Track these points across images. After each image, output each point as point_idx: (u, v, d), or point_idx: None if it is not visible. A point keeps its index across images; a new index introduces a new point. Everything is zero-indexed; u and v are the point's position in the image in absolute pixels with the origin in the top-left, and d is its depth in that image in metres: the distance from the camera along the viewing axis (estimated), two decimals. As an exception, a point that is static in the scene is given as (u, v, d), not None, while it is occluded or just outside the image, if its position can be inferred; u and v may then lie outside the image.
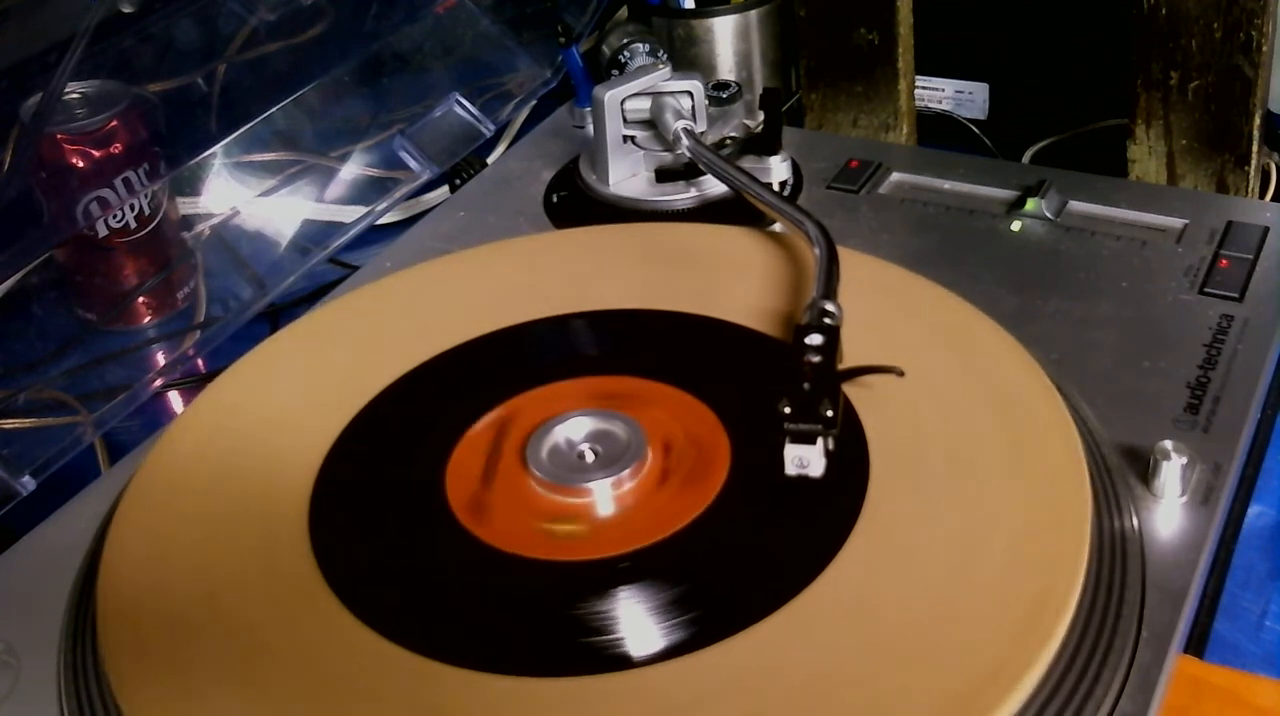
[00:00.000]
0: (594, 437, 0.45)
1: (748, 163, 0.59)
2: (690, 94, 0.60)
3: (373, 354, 0.51)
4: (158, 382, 0.59)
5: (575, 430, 0.45)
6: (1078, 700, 0.36)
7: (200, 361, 0.65)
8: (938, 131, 0.76)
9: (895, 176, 0.63)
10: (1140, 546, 0.41)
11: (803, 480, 0.41)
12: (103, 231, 0.63)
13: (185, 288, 0.67)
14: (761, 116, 0.61)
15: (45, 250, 0.61)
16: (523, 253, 0.58)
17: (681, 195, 0.61)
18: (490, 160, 0.74)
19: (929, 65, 0.75)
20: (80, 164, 0.60)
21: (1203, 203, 0.58)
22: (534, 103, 0.81)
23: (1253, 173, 0.61)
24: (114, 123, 0.60)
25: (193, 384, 0.64)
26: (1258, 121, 0.60)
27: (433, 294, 0.55)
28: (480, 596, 0.40)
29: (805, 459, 0.41)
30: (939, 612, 0.37)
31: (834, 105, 0.71)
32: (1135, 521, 0.41)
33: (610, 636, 0.38)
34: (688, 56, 0.76)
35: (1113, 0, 0.66)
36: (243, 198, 0.68)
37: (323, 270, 0.69)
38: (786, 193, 0.61)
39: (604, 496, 0.42)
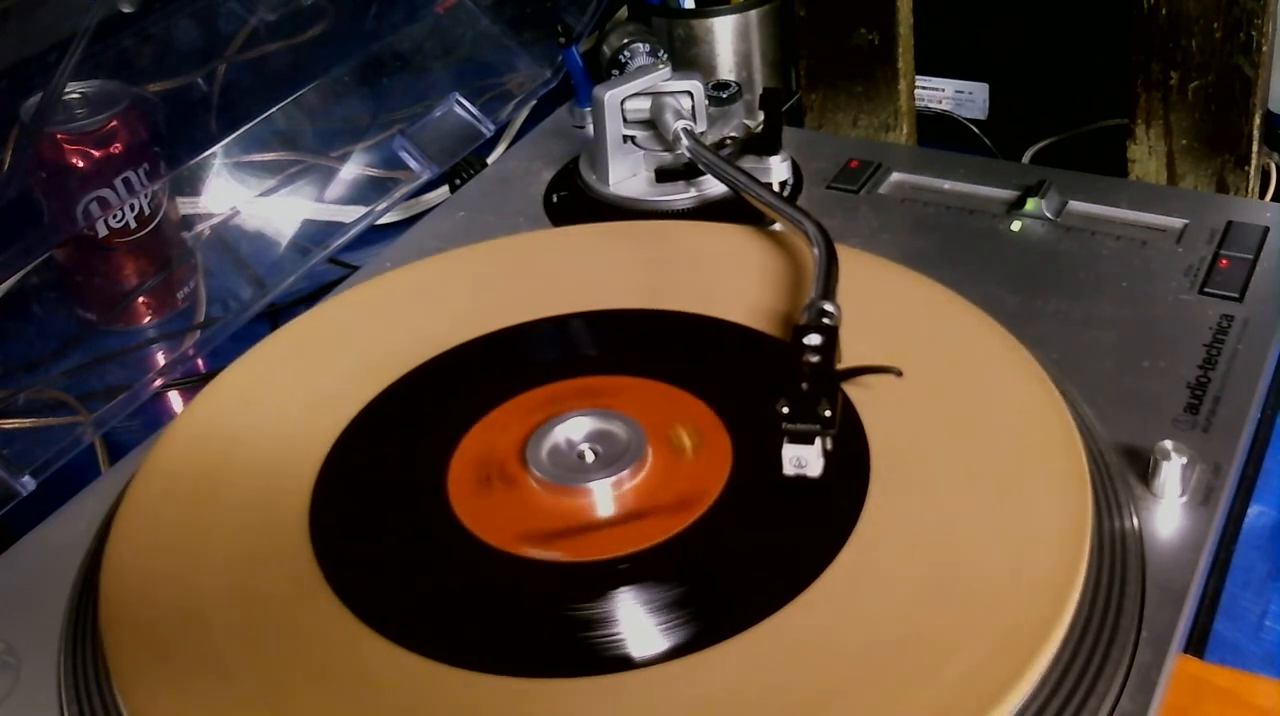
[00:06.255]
0: (594, 437, 0.45)
1: (748, 163, 0.59)
2: (690, 94, 0.60)
3: (372, 354, 0.51)
4: (158, 382, 0.59)
5: (575, 430, 0.45)
6: (1078, 700, 0.36)
7: (200, 361, 0.65)
8: (938, 131, 0.76)
9: (895, 176, 0.63)
10: (1140, 546, 0.41)
11: (804, 480, 0.41)
12: (103, 231, 0.63)
13: (185, 288, 0.67)
14: (761, 116, 0.61)
15: (45, 250, 0.61)
16: (522, 252, 0.58)
17: (681, 195, 0.61)
18: (490, 160, 0.74)
19: (929, 65, 0.75)
20: (80, 164, 0.60)
21: (1203, 203, 0.58)
22: (534, 103, 0.81)
23: (1253, 173, 0.61)
24: (114, 123, 0.60)
25: (193, 384, 0.63)
26: (1258, 121, 0.60)
27: (431, 293, 0.55)
28: (481, 596, 0.40)
29: (803, 459, 0.41)
30: (938, 612, 0.37)
31: (834, 105, 0.71)
32: (1135, 521, 0.41)
33: (610, 637, 0.38)
34: (688, 56, 0.77)
35: (1113, 0, 0.66)
36: (243, 198, 0.68)
37: (323, 270, 0.69)
38: (786, 193, 0.61)
39: (604, 496, 0.42)
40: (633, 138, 0.61)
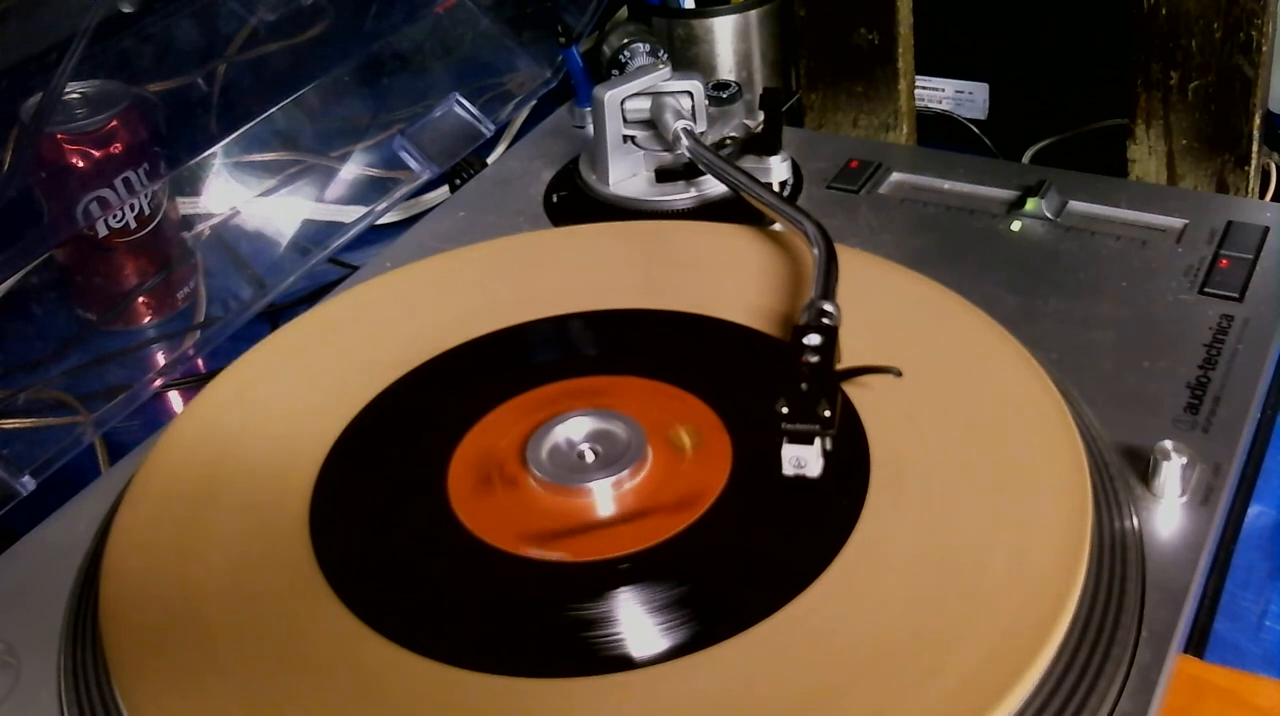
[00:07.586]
0: (594, 437, 0.45)
1: (748, 163, 0.59)
2: (690, 94, 0.60)
3: (372, 353, 0.51)
4: (158, 382, 0.59)
5: (575, 430, 0.45)
6: (1078, 700, 0.36)
7: (200, 361, 0.65)
8: (938, 131, 0.76)
9: (895, 176, 0.63)
10: (1140, 546, 0.41)
11: (803, 480, 0.41)
12: (103, 231, 0.63)
13: (185, 288, 0.67)
14: (761, 116, 0.61)
15: (45, 250, 0.61)
16: (522, 252, 0.58)
17: (681, 195, 0.61)
18: (490, 160, 0.74)
19: (929, 65, 0.75)
20: (80, 164, 0.60)
21: (1203, 203, 0.58)
22: (534, 103, 0.81)
23: (1253, 173, 0.61)
24: (114, 123, 0.60)
25: (193, 384, 0.63)
26: (1258, 121, 0.60)
27: (431, 293, 0.55)
28: (481, 597, 0.40)
29: (802, 459, 0.41)
30: (939, 612, 0.37)
31: (834, 105, 0.71)
32: (1135, 521, 0.41)
33: (610, 637, 0.38)
34: (688, 56, 0.76)
35: (1113, 0, 0.66)
36: (243, 198, 0.68)
37: (323, 270, 0.69)
38: (786, 193, 0.61)
39: (604, 496, 0.42)
40: (633, 138, 0.61)
